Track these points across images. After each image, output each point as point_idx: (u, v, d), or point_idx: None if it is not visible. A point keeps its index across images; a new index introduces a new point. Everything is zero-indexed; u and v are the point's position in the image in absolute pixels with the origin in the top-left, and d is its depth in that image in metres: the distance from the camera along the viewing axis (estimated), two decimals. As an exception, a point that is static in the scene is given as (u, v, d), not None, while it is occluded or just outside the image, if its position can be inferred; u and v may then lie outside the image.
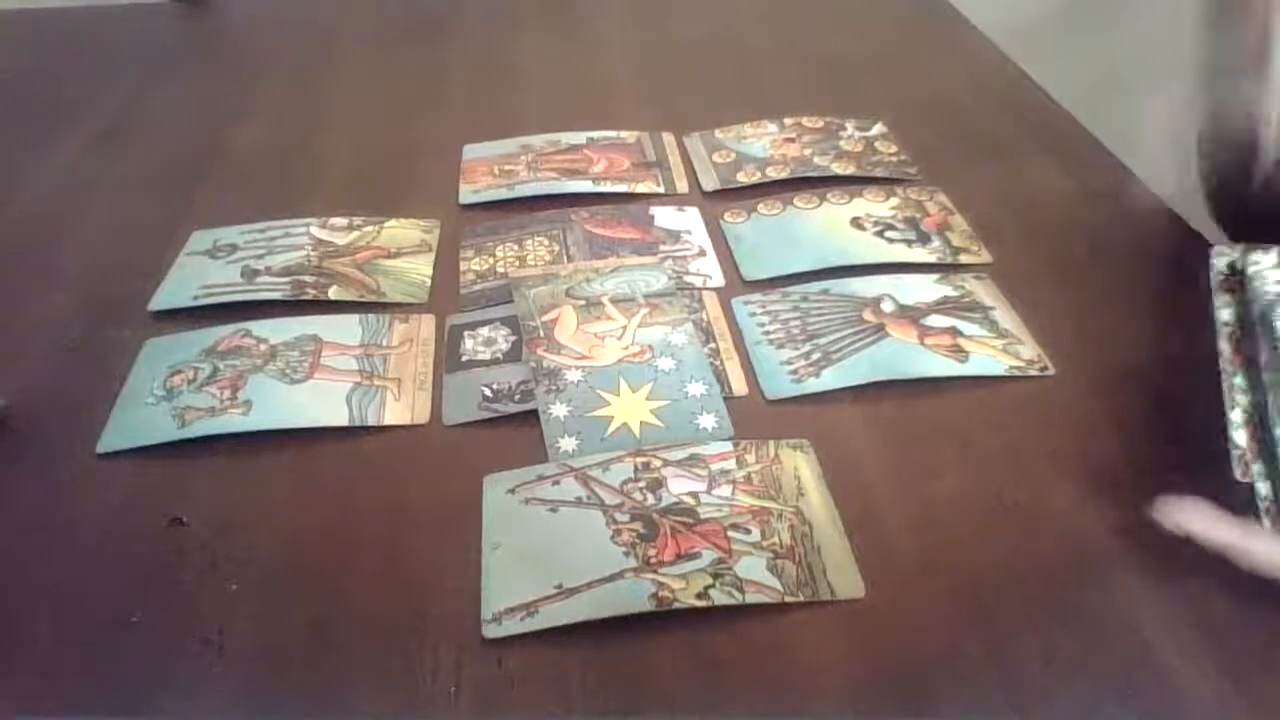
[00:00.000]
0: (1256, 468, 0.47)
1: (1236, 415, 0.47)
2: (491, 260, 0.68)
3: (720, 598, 0.45)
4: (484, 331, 0.62)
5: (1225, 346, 0.48)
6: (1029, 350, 0.59)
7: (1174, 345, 0.58)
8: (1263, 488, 0.47)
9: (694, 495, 0.50)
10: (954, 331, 0.60)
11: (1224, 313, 0.49)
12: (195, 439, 0.54)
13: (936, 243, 0.68)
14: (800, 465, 0.52)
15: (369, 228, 0.72)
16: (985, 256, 0.67)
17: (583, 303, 0.63)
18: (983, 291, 0.64)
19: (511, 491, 0.51)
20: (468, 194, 0.76)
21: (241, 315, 0.63)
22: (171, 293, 0.66)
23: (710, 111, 0.85)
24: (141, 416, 0.56)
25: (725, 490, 0.50)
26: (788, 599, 0.45)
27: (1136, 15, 1.44)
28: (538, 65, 0.97)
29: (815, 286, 0.64)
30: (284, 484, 0.52)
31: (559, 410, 0.55)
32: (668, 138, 0.82)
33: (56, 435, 0.55)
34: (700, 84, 0.93)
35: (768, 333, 0.61)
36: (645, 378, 0.58)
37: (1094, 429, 0.54)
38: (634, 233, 0.71)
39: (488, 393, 0.57)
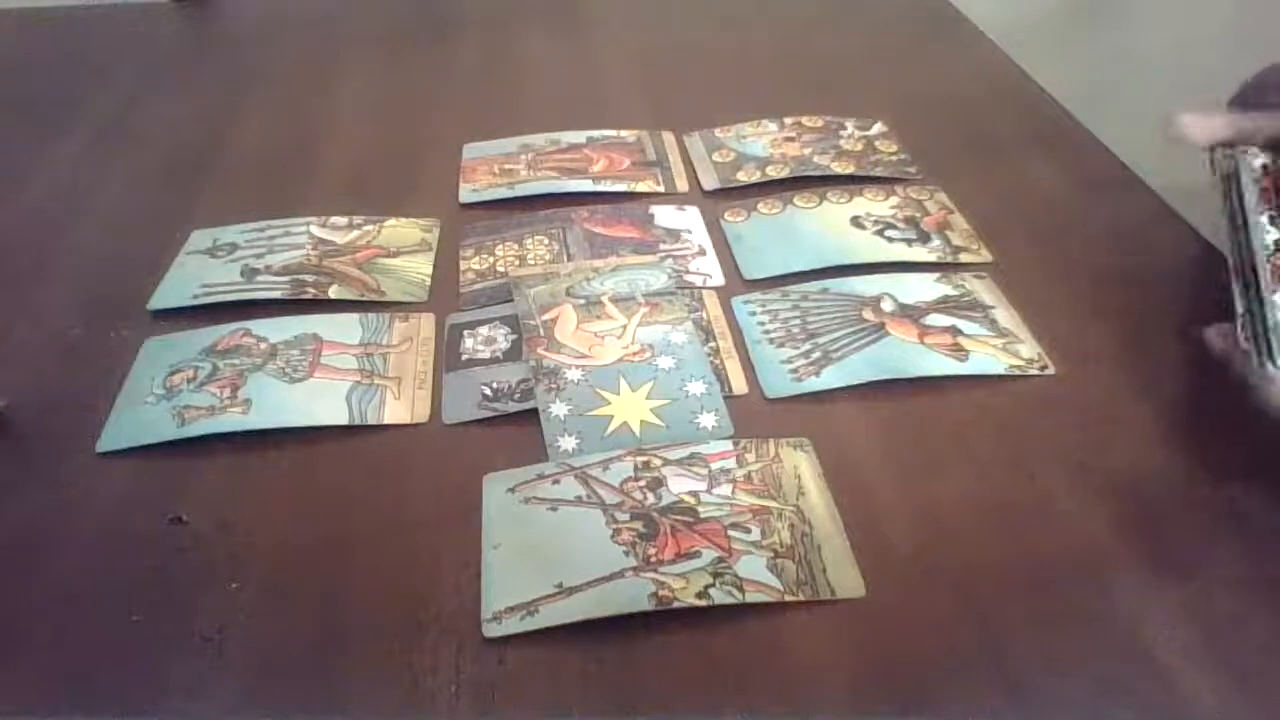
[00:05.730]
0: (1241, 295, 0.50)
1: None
2: (491, 259, 0.68)
3: (720, 597, 0.45)
4: (484, 330, 0.62)
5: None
6: (1029, 349, 0.59)
7: (1174, 344, 0.58)
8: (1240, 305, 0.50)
9: (694, 494, 0.50)
10: (954, 330, 0.60)
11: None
12: (195, 438, 0.54)
13: (936, 242, 0.68)
14: (800, 464, 0.52)
15: (369, 226, 0.72)
16: (985, 255, 0.67)
17: (583, 302, 0.63)
18: (983, 290, 0.64)
19: (511, 490, 0.51)
20: (468, 193, 0.76)
21: (241, 314, 0.63)
22: (171, 292, 0.66)
23: (710, 110, 0.85)
24: (141, 416, 0.56)
25: (725, 489, 0.50)
26: (788, 598, 0.45)
27: (1136, 15, 1.44)
28: (538, 64, 0.97)
29: (815, 285, 0.64)
30: (284, 483, 0.52)
31: (559, 409, 0.55)
32: (668, 137, 0.82)
33: (56, 435, 0.55)
34: (700, 83, 0.93)
35: (768, 332, 0.61)
36: (645, 377, 0.58)
37: (1094, 428, 0.54)
38: (634, 232, 0.71)
39: (487, 392, 0.57)
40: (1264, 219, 0.50)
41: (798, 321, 0.61)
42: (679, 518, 0.49)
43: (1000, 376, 0.57)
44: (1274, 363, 0.47)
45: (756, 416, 0.55)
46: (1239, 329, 0.49)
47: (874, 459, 0.53)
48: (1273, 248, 0.49)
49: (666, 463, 0.52)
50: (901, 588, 0.46)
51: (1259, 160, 0.52)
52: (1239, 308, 0.50)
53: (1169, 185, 0.73)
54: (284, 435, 0.55)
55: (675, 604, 0.45)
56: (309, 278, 0.66)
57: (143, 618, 0.45)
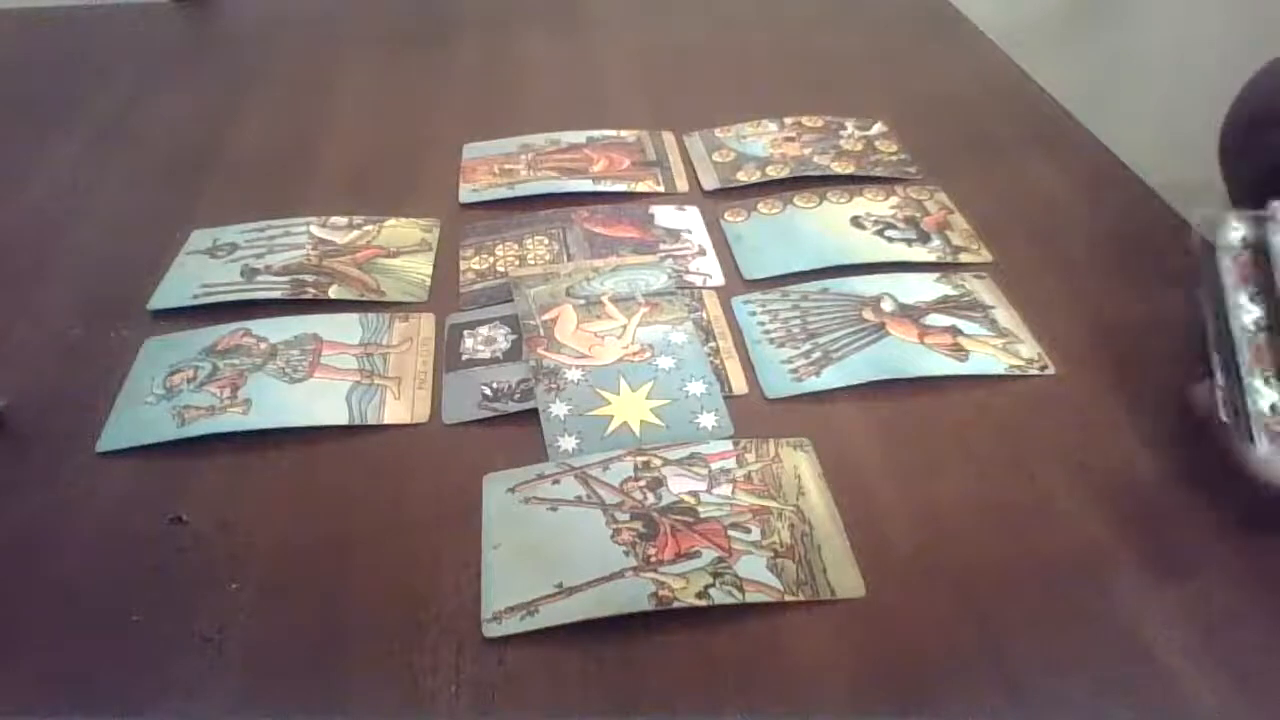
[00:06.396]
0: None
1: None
2: (491, 259, 0.68)
3: (720, 597, 0.45)
4: (484, 330, 0.62)
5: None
6: (1029, 349, 0.59)
7: (1174, 344, 0.58)
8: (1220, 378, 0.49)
9: (694, 494, 0.50)
10: (954, 330, 0.60)
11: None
12: (195, 438, 0.54)
13: (936, 242, 0.68)
14: (800, 464, 0.52)
15: (369, 226, 0.72)
16: (985, 255, 0.67)
17: (583, 302, 0.63)
18: (983, 290, 0.64)
19: (511, 490, 0.51)
20: (468, 193, 0.76)
21: (241, 314, 0.63)
22: (171, 292, 0.66)
23: (710, 110, 0.85)
24: (141, 416, 0.56)
25: (725, 489, 0.50)
26: (788, 598, 0.45)
27: (1136, 15, 1.44)
28: (538, 64, 0.97)
29: (815, 285, 0.64)
30: (284, 483, 0.52)
31: (559, 409, 0.55)
32: (668, 137, 0.82)
33: (56, 435, 0.55)
34: (700, 83, 0.93)
35: (768, 332, 0.61)
36: (645, 377, 0.58)
37: (1094, 428, 0.54)
38: (634, 232, 0.71)
39: (488, 392, 0.57)
40: (1243, 298, 0.49)
41: (798, 321, 0.61)
42: (679, 518, 0.49)
43: (1000, 376, 0.57)
44: (1254, 445, 0.47)
45: (756, 416, 0.55)
46: (1219, 402, 0.48)
47: (874, 459, 0.53)
48: (1253, 329, 0.48)
49: (666, 463, 0.52)
50: (901, 588, 0.46)
51: (1238, 233, 0.49)
52: (1219, 380, 0.49)
53: (1169, 184, 0.73)
54: (284, 435, 0.55)
55: (675, 604, 0.45)
56: (309, 278, 0.66)
57: (143, 618, 0.45)
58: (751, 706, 0.42)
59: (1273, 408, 0.47)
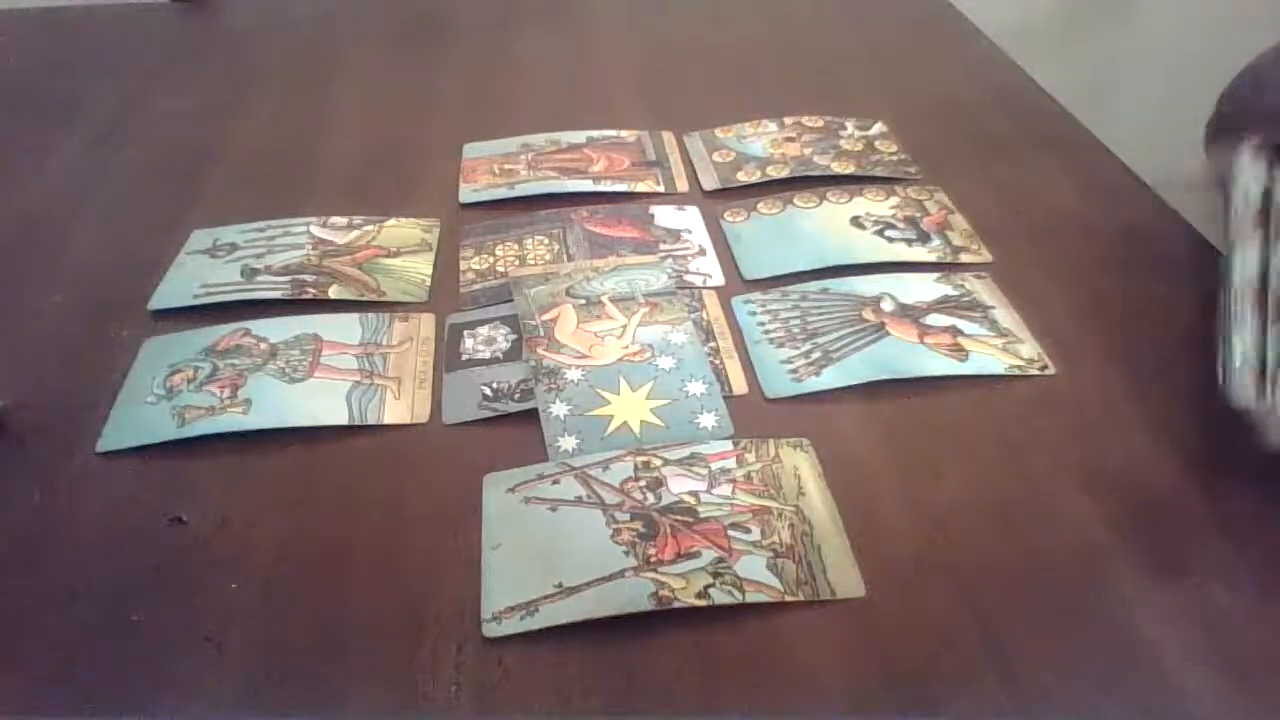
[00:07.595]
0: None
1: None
2: (491, 259, 0.68)
3: (720, 597, 0.45)
4: (484, 330, 0.62)
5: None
6: (1029, 349, 0.59)
7: (1174, 343, 0.58)
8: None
9: (694, 494, 0.50)
10: (954, 330, 0.60)
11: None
12: (195, 438, 0.54)
13: (936, 242, 0.68)
14: (800, 464, 0.52)
15: (369, 227, 0.72)
16: (985, 255, 0.67)
17: (583, 302, 0.63)
18: (983, 290, 0.64)
19: (511, 490, 0.51)
20: (468, 193, 0.76)
21: (241, 314, 0.63)
22: (171, 292, 0.66)
23: (710, 111, 0.85)
24: (142, 416, 0.56)
25: (725, 489, 0.50)
26: (788, 598, 0.45)
27: (1136, 15, 1.44)
28: (538, 64, 0.97)
29: (815, 285, 0.64)
30: (284, 483, 0.52)
31: (559, 409, 0.55)
32: (668, 137, 0.82)
33: (56, 435, 0.55)
34: (700, 83, 0.93)
35: (768, 332, 0.61)
36: (645, 377, 0.58)
37: (1094, 428, 0.54)
38: (634, 232, 0.71)
39: (488, 392, 0.57)
40: (1251, 251, 0.48)
41: (798, 321, 0.61)
42: (679, 518, 0.49)
43: (1000, 376, 0.57)
44: (1227, 395, 0.47)
45: (756, 416, 0.55)
46: (1219, 348, 0.48)
47: (874, 459, 0.53)
48: (1257, 280, 0.48)
49: (666, 463, 0.52)
50: (901, 588, 0.46)
51: (1257, 181, 0.49)
52: (1220, 327, 0.49)
53: (1167, 182, 0.73)
54: (284, 435, 0.55)
55: (675, 604, 0.45)
56: (309, 278, 0.66)
57: (143, 618, 0.45)
58: (751, 706, 0.42)
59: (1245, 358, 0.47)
